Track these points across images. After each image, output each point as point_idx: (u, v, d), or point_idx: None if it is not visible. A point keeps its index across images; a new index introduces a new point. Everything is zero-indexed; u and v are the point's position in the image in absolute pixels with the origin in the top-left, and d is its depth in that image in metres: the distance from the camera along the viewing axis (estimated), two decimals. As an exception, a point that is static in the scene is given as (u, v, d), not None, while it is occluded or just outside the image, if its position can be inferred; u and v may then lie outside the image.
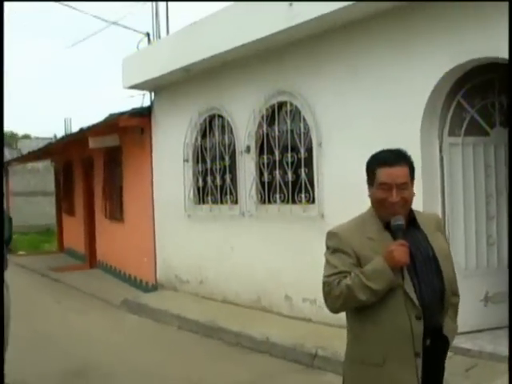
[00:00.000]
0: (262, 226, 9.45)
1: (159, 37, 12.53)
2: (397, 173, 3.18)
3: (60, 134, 42.87)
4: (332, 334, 7.86)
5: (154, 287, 12.31)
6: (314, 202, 8.50)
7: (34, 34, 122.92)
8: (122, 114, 12.30)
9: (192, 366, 7.62)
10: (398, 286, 3.08)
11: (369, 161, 3.32)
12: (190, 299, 10.85)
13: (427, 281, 3.17)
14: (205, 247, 10.72)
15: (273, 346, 7.86)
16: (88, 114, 39.03)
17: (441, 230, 3.51)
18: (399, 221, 3.14)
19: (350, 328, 3.32)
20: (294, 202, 8.87)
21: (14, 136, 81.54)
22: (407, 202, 3.21)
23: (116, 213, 14.52)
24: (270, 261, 9.19)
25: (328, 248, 3.28)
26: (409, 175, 3.22)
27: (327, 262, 3.26)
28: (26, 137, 64.54)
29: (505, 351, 6.33)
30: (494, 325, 7.06)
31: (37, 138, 42.51)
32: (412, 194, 3.23)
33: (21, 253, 21.62)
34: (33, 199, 30.07)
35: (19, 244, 23.15)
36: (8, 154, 32.85)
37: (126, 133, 13.03)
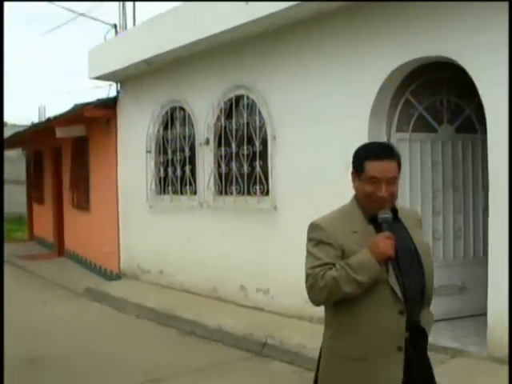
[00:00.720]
0: (219, 217, 9.61)
1: (126, 28, 12.62)
2: (387, 167, 3.12)
3: (36, 121, 42.73)
4: (282, 323, 8.10)
5: (118, 276, 12.44)
6: (267, 194, 8.68)
7: (10, 21, 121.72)
8: (87, 104, 12.37)
9: (146, 353, 7.74)
10: (382, 279, 3.04)
11: (357, 152, 3.23)
12: (151, 288, 11.01)
13: (410, 275, 3.13)
14: (165, 237, 10.88)
15: (225, 335, 8.03)
16: (62, 103, 38.90)
17: (420, 226, 3.46)
18: (387, 214, 3.11)
19: (329, 323, 3.27)
20: (249, 193, 9.04)
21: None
22: (394, 196, 3.18)
23: (83, 202, 14.59)
24: (227, 251, 9.37)
25: (311, 240, 3.23)
26: (397, 170, 3.16)
27: (310, 254, 3.21)
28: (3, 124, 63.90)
29: (443, 342, 6.56)
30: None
31: (14, 126, 42.21)
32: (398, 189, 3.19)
33: (-10, 241, 21.63)
34: (6, 187, 29.94)
35: (-11, 232, 23.13)
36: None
37: (93, 123, 13.11)
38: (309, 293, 3.17)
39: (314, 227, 3.24)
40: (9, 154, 28.67)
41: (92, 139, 13.74)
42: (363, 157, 3.16)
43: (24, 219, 25.54)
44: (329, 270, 3.05)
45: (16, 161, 29.19)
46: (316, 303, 3.20)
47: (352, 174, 3.22)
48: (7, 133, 31.21)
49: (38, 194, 20.62)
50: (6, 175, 30.07)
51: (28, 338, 8.63)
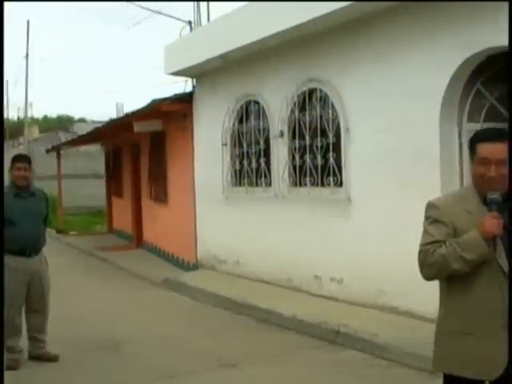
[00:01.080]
0: (293, 208, 9.79)
1: (200, 24, 12.90)
2: (497, 149, 3.20)
3: (114, 117, 43.71)
4: (355, 312, 8.23)
5: (195, 266, 12.75)
6: (341, 185, 8.81)
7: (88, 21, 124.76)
8: (164, 99, 12.71)
9: (222, 340, 8.02)
10: (491, 258, 3.15)
11: (472, 137, 3.36)
12: (226, 278, 11.28)
13: None
14: (241, 228, 11.12)
15: (299, 323, 8.19)
16: (138, 100, 39.91)
17: None
18: (495, 195, 3.17)
19: (442, 300, 3.40)
20: (323, 185, 9.20)
21: (70, 119, 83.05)
22: (504, 177, 3.21)
23: (160, 195, 15.00)
24: (301, 242, 9.53)
25: (427, 218, 3.37)
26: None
27: (425, 231, 3.35)
28: (82, 120, 65.72)
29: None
30: None
31: (93, 122, 43.35)
32: None
33: (72, 233, 22.35)
34: (85, 181, 30.81)
35: (71, 225, 23.89)
36: (63, 137, 33.72)
37: (170, 118, 13.47)
38: (420, 269, 3.33)
39: (430, 206, 3.39)
40: (88, 148, 29.48)
41: (169, 133, 14.10)
42: (476, 140, 3.30)
43: (103, 212, 26.27)
44: (439, 247, 3.21)
45: (95, 156, 30.00)
46: (427, 278, 3.35)
47: (469, 157, 3.38)
48: (87, 128, 32.18)
49: (117, 188, 21.20)
50: (85, 170, 31.02)
51: (110, 324, 9.03)
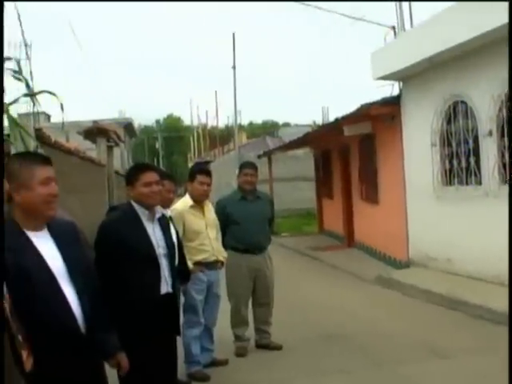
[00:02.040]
0: (504, 206, 9.82)
1: (404, 29, 13.20)
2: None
3: (318, 121, 44.57)
4: None
5: (406, 264, 13.03)
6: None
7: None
8: (373, 103, 13.15)
9: (433, 333, 8.31)
10: None
11: None
12: (438, 275, 11.48)
13: None
14: (452, 226, 11.29)
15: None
16: (342, 103, 40.62)
17: None
18: None
19: None
20: (535, 182, 9.20)
21: (275, 124, 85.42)
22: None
23: (371, 195, 15.42)
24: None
25: None
26: None
27: None
28: (286, 125, 67.45)
29: None
30: None
31: (296, 126, 44.51)
32: None
33: (284, 234, 23.28)
34: (294, 184, 31.78)
35: (282, 226, 24.84)
36: (270, 142, 35.01)
37: (378, 121, 13.89)
38: None
39: None
40: (295, 152, 30.40)
41: (378, 135, 14.53)
42: None
43: (312, 214, 27.02)
44: None
45: (303, 159, 30.84)
46: None
47: None
48: (291, 132, 33.17)
49: (327, 190, 21.85)
50: (294, 173, 32.01)
51: (325, 317, 9.66)
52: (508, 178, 9.77)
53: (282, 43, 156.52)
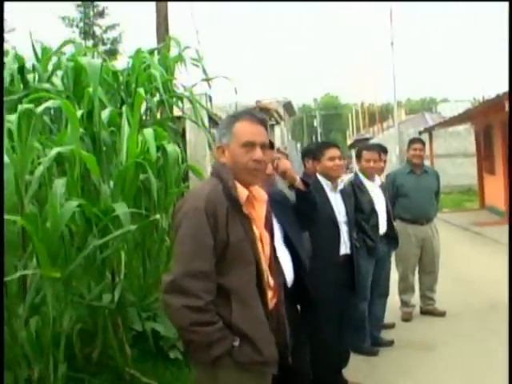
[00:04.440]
0: None
1: None
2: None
3: (478, 96, 43.43)
4: None
5: None
6: None
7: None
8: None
9: None
10: None
11: None
12: None
13: None
14: None
15: None
16: (502, 78, 39.11)
17: None
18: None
19: None
20: None
21: (433, 100, 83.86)
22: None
23: (535, 171, 15.26)
24: None
25: None
26: None
27: None
28: (445, 100, 66.18)
29: None
30: None
31: (455, 101, 43.75)
32: None
33: (445, 210, 23.28)
34: (455, 160, 31.42)
35: (444, 202, 24.73)
36: (429, 118, 34.79)
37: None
38: None
39: None
40: (456, 128, 30.10)
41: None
42: None
43: (473, 190, 26.82)
44: None
45: (463, 135, 30.51)
46: None
47: None
48: (451, 108, 32.62)
49: (489, 165, 21.71)
50: (455, 149, 31.65)
51: (489, 288, 9.82)
52: None
53: (437, 19, 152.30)
